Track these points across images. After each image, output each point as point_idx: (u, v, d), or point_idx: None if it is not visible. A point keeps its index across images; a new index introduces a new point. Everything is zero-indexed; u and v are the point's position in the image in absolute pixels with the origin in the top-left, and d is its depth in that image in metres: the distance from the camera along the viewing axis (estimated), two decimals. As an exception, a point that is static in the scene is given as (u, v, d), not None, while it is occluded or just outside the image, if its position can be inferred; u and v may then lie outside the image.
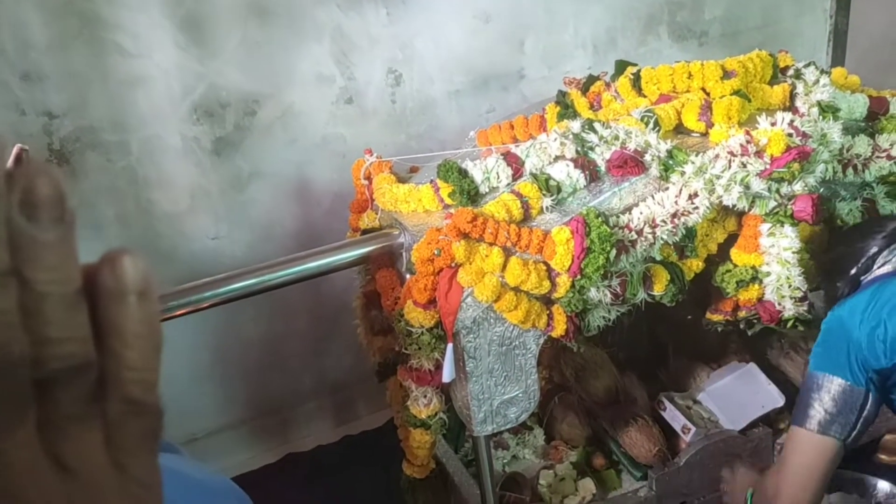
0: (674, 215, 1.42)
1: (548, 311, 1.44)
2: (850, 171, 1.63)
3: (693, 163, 1.42)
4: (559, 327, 1.45)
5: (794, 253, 1.50)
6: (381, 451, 2.11)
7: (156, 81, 1.91)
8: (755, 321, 1.64)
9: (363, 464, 2.28)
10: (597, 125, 1.52)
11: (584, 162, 1.48)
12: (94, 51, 1.82)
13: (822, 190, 1.54)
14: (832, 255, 1.62)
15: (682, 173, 1.42)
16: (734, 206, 1.44)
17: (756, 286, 1.58)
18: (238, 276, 1.40)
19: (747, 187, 1.41)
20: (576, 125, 1.55)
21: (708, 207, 1.43)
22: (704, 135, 1.54)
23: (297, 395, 2.40)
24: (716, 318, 1.69)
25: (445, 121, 2.30)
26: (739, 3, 2.64)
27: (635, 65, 1.76)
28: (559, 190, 1.45)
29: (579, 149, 1.51)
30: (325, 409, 2.46)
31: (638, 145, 1.47)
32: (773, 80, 1.66)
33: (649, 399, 2.02)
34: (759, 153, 1.41)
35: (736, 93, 1.54)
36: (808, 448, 1.42)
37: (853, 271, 1.56)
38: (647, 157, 1.46)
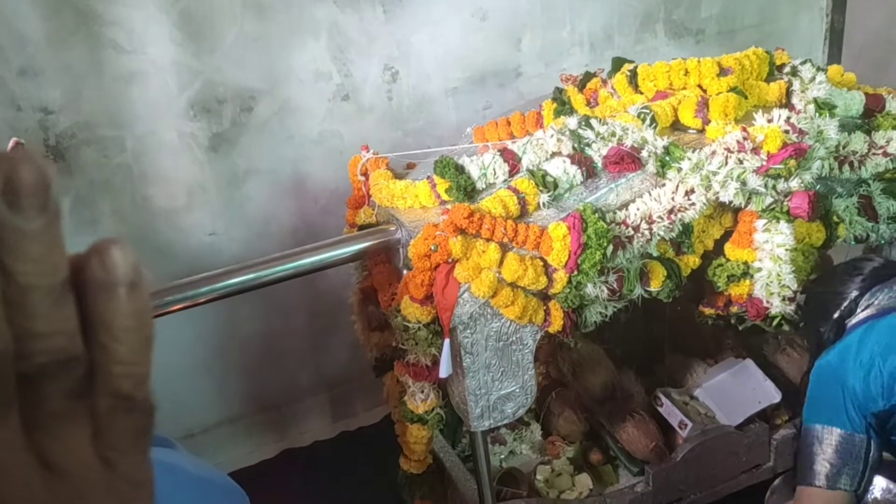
0: (670, 211, 1.42)
1: (545, 307, 1.44)
2: (846, 167, 1.63)
3: (690, 159, 1.42)
4: (556, 323, 1.45)
5: (787, 250, 1.50)
6: (378, 446, 2.12)
7: (152, 77, 1.90)
8: (746, 317, 1.65)
9: (360, 459, 2.29)
10: (593, 122, 1.52)
11: (580, 158, 1.48)
12: (90, 46, 1.82)
13: (818, 187, 1.55)
14: (811, 298, 1.61)
15: (679, 170, 1.43)
16: (730, 202, 1.44)
17: (747, 282, 1.58)
18: (235, 272, 1.40)
19: (744, 184, 1.42)
20: (572, 122, 1.55)
21: (704, 204, 1.43)
22: (701, 131, 1.54)
23: (294, 391, 2.40)
24: (708, 311, 1.69)
25: (442, 118, 2.30)
26: (736, 1, 2.64)
27: (632, 62, 1.76)
28: (556, 186, 1.45)
29: (576, 145, 1.51)
30: (322, 404, 2.46)
31: (634, 142, 1.47)
32: (770, 78, 1.67)
33: (646, 395, 2.02)
34: (755, 150, 1.42)
35: (732, 90, 1.54)
36: None
37: (836, 315, 1.55)
38: (644, 154, 1.46)
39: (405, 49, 2.18)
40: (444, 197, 1.50)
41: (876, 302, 1.52)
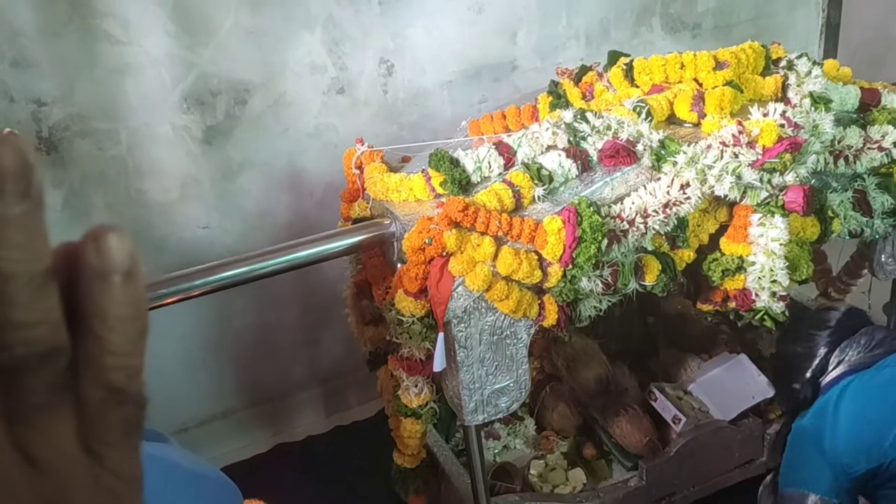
0: (665, 205, 1.42)
1: (539, 301, 1.44)
2: (841, 162, 1.63)
3: (685, 153, 1.42)
4: (550, 317, 1.45)
5: (781, 245, 1.50)
6: (371, 440, 2.12)
7: (146, 69, 1.90)
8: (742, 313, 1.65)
9: (354, 454, 2.28)
10: (589, 115, 1.52)
11: (576, 152, 1.48)
12: (84, 38, 1.81)
13: (813, 181, 1.55)
14: (782, 357, 1.61)
15: (674, 163, 1.42)
16: (726, 196, 1.44)
17: (741, 276, 1.58)
18: (229, 265, 1.40)
19: (739, 177, 1.41)
20: (568, 115, 1.55)
21: (700, 197, 1.43)
22: (697, 125, 1.54)
23: (288, 385, 2.40)
24: (706, 307, 1.69)
25: (437, 111, 2.29)
26: (732, -4, 2.65)
27: (628, 55, 1.75)
28: (551, 179, 1.44)
29: (571, 138, 1.50)
30: (316, 398, 2.46)
31: (630, 135, 1.46)
32: (766, 72, 1.66)
33: (640, 389, 2.02)
34: (750, 143, 1.41)
35: (728, 83, 1.54)
36: None
37: (808, 375, 1.56)
38: (640, 147, 1.45)
39: (400, 42, 2.17)
40: (439, 190, 1.50)
41: (846, 358, 1.55)
